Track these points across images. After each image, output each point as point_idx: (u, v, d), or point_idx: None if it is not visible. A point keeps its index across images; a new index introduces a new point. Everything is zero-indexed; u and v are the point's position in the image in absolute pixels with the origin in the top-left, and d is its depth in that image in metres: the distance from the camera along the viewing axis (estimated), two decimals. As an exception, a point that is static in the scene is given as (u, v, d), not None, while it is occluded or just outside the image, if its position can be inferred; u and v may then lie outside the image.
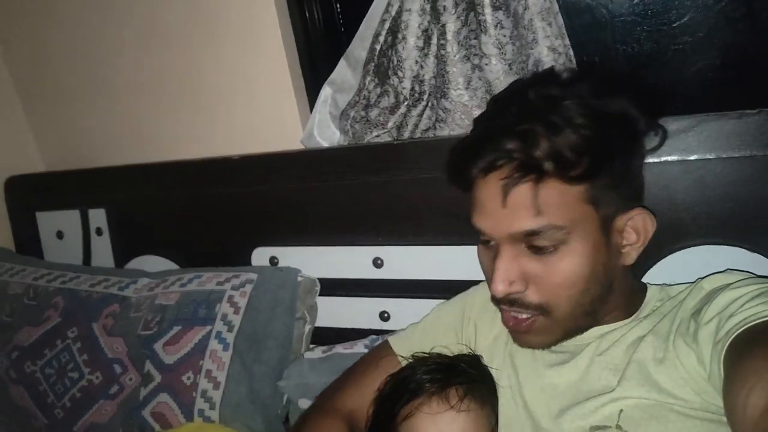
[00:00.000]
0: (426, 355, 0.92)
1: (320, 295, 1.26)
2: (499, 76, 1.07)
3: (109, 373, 1.24)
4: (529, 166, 0.71)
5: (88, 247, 1.51)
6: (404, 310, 1.19)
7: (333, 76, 1.27)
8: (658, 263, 0.98)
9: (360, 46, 1.22)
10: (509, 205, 0.72)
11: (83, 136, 1.59)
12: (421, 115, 1.19)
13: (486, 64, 1.07)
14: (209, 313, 1.19)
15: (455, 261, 1.13)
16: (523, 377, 0.83)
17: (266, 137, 1.36)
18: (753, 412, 0.57)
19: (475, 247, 1.04)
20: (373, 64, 1.19)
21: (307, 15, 1.33)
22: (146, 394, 1.18)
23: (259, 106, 1.36)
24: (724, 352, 0.65)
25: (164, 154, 1.45)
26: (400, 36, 1.11)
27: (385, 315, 1.20)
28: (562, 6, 1.06)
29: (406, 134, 1.21)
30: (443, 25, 1.07)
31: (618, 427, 0.71)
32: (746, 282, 0.73)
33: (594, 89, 0.75)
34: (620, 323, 0.81)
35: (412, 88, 1.16)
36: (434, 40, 1.10)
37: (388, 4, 1.12)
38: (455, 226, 1.12)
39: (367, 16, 1.19)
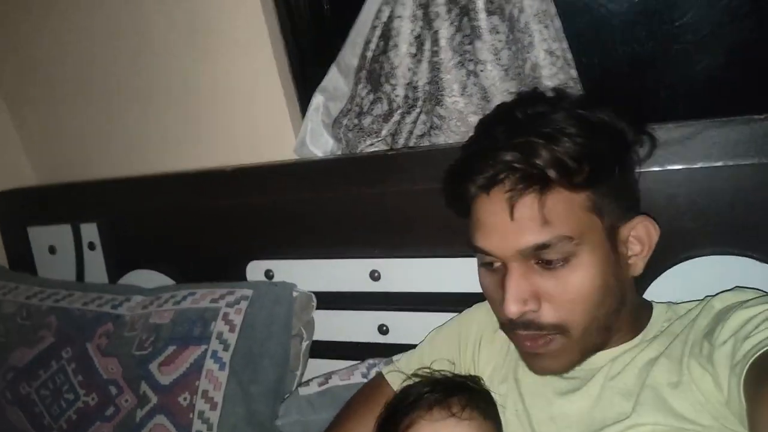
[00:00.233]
0: (424, 373, 0.90)
1: (317, 308, 1.23)
2: (495, 82, 1.03)
3: (104, 394, 1.21)
4: (533, 175, 0.69)
5: (81, 262, 1.48)
6: (403, 324, 1.16)
7: (324, 83, 1.23)
8: (664, 274, 0.94)
9: (351, 53, 1.18)
10: (516, 219, 0.70)
11: (74, 147, 1.56)
12: (415, 122, 1.16)
13: (481, 70, 1.03)
14: (204, 332, 1.16)
15: (454, 273, 1.10)
16: (531, 405, 0.80)
17: (259, 146, 1.33)
18: None
19: (474, 260, 1.02)
20: (365, 71, 1.15)
21: (297, 20, 1.29)
22: (143, 416, 1.16)
23: (251, 114, 1.32)
24: (743, 377, 0.62)
25: (157, 164, 1.42)
26: (391, 43, 1.08)
27: (384, 328, 1.17)
28: (560, 7, 1.02)
29: (401, 141, 1.17)
30: (436, 32, 1.03)
31: None
32: (759, 300, 0.71)
33: (579, 102, 0.76)
34: (629, 344, 0.78)
35: (406, 96, 1.13)
36: (427, 47, 1.06)
37: (379, 11, 1.09)
38: (453, 238, 1.08)
39: (357, 22, 1.15)
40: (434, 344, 0.96)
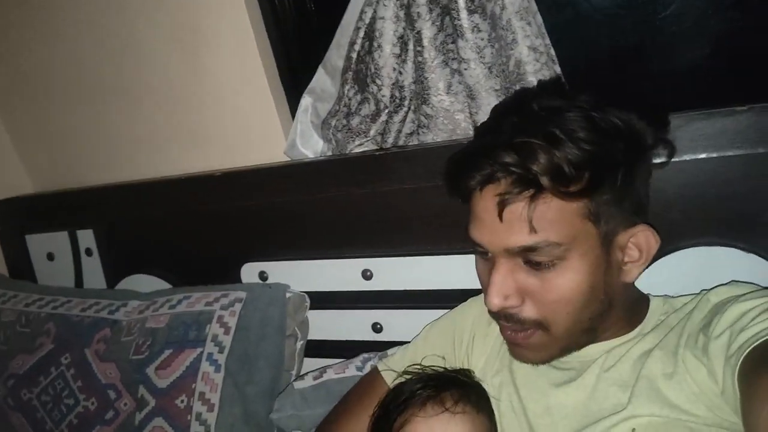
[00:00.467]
0: (415, 370, 0.91)
1: (311, 308, 1.24)
2: (480, 79, 1.03)
3: (103, 398, 1.22)
4: (527, 180, 0.68)
5: (79, 268, 1.50)
6: (396, 321, 1.17)
7: (312, 84, 1.24)
8: (653, 265, 0.94)
9: (337, 54, 1.18)
10: (505, 220, 0.70)
11: (68, 154, 1.57)
12: (403, 121, 1.16)
13: (465, 69, 1.03)
14: (199, 335, 1.17)
15: (445, 270, 1.10)
16: (526, 396, 0.81)
17: (250, 148, 1.34)
18: None
19: (464, 256, 1.02)
20: (351, 72, 1.16)
21: (282, 21, 1.29)
22: (141, 419, 1.17)
23: (240, 116, 1.33)
24: (738, 369, 0.63)
25: (148, 169, 1.43)
26: (375, 44, 1.08)
27: (378, 326, 1.18)
28: (543, 2, 1.02)
29: (390, 140, 1.17)
30: (419, 32, 1.03)
31: None
32: (755, 295, 0.71)
33: (598, 101, 0.73)
34: (624, 337, 0.78)
35: (392, 95, 1.13)
36: (411, 47, 1.07)
37: (362, 12, 1.09)
38: (443, 236, 1.09)
39: (341, 24, 1.15)
40: (429, 339, 0.97)
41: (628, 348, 0.76)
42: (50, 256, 1.53)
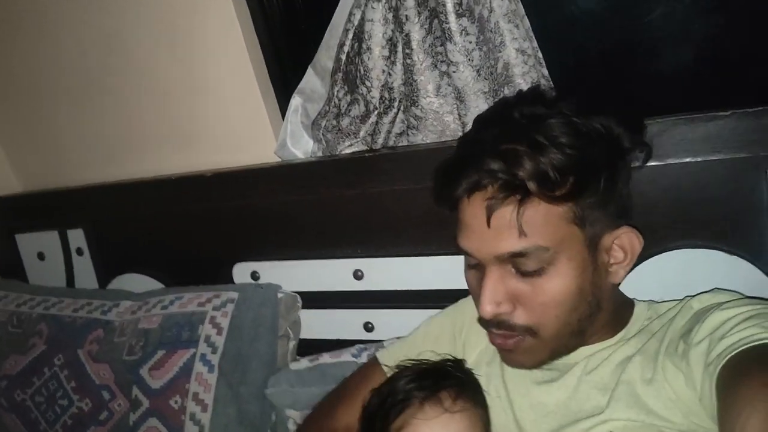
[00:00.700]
0: (409, 363, 0.90)
1: (303, 308, 1.25)
2: (468, 82, 1.04)
3: (97, 399, 1.23)
4: (513, 186, 0.69)
5: (70, 268, 1.50)
6: (387, 321, 1.18)
7: (301, 85, 1.24)
8: (637, 268, 0.96)
9: (326, 55, 1.19)
10: (494, 227, 0.71)
11: (56, 154, 1.57)
12: (392, 122, 1.16)
13: (454, 71, 1.04)
14: (192, 336, 1.18)
15: (435, 270, 1.12)
16: (513, 391, 0.83)
17: (239, 148, 1.34)
18: None
19: (454, 257, 1.03)
20: (340, 73, 1.16)
21: (270, 20, 1.29)
22: (136, 420, 1.18)
23: (230, 116, 1.33)
24: (716, 376, 0.64)
25: (137, 168, 1.43)
26: (364, 46, 1.08)
27: (369, 326, 1.19)
28: (530, 5, 1.02)
29: (380, 141, 1.18)
30: (407, 34, 1.04)
31: None
32: (737, 303, 0.72)
33: (578, 107, 0.75)
34: (608, 342, 0.80)
35: (382, 97, 1.13)
36: (400, 49, 1.07)
37: (351, 14, 1.09)
38: (433, 236, 1.10)
39: (330, 25, 1.16)
40: (429, 333, 0.98)
41: (610, 353, 0.78)
42: (41, 256, 1.53)
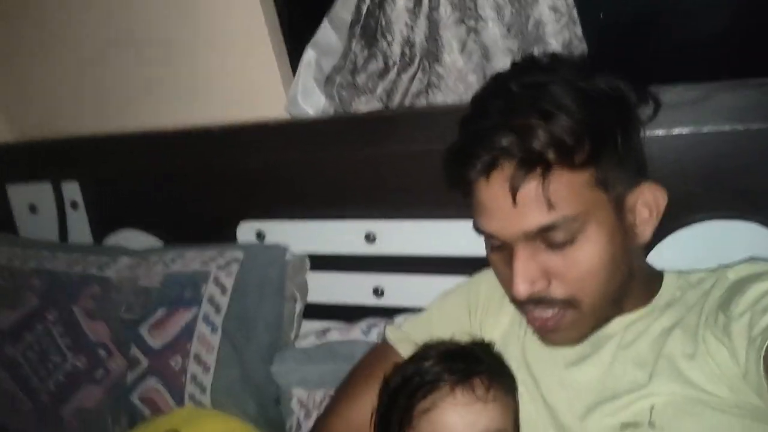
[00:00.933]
0: (436, 343, 0.85)
1: (311, 270, 1.21)
2: (497, 40, 0.99)
3: (93, 357, 1.20)
4: (532, 160, 0.66)
5: (63, 222, 1.44)
6: (398, 286, 1.15)
7: (316, 38, 1.18)
8: (669, 237, 0.93)
9: (344, 6, 1.13)
10: (519, 204, 0.68)
11: (51, 101, 1.49)
12: (412, 80, 1.11)
13: (482, 28, 0.99)
14: (195, 295, 1.14)
15: (451, 236, 1.08)
16: (539, 373, 0.80)
17: (248, 104, 1.27)
18: None
19: (471, 222, 0.99)
20: (359, 26, 1.10)
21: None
22: (133, 379, 1.15)
23: (238, 70, 1.27)
24: (764, 352, 0.62)
25: (138, 121, 1.36)
26: (388, -3, 1.03)
27: (379, 291, 1.16)
28: (565, -39, 0.97)
29: (396, 100, 1.13)
30: (436, -15, 0.98)
31: (651, 423, 0.68)
32: None
33: (578, 69, 0.73)
34: (641, 311, 0.77)
35: (402, 53, 1.08)
36: (425, 1, 1.02)
37: (375, -39, 1.03)
38: (450, 200, 1.05)
39: (351, -27, 1.10)
40: (444, 308, 0.94)
41: (647, 325, 0.75)
42: (33, 209, 1.47)
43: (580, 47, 1.00)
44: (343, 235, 1.16)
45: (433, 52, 1.06)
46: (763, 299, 0.66)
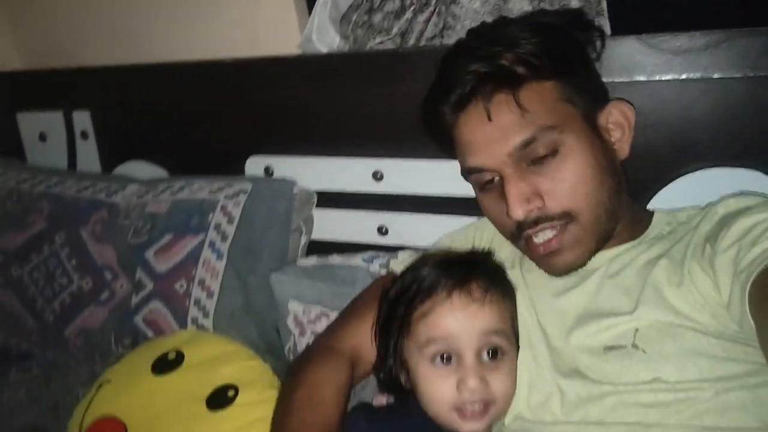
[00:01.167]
0: (433, 252, 0.87)
1: (317, 206, 1.22)
2: (516, -20, 1.00)
3: (99, 279, 1.21)
4: (500, 75, 0.74)
5: (73, 151, 1.45)
6: (403, 225, 1.16)
7: (334, -26, 1.18)
8: (673, 183, 0.95)
9: (365, -58, 1.13)
10: (495, 122, 0.74)
11: (63, 30, 1.49)
12: (427, 21, 1.12)
13: (503, -34, 0.99)
14: (202, 223, 1.16)
15: (457, 176, 1.08)
16: (535, 297, 0.82)
17: (261, 41, 1.29)
18: None
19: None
20: (379, -38, 1.11)
21: None
22: (138, 302, 1.16)
23: (253, 5, 1.27)
24: (749, 287, 0.63)
25: (153, 52, 1.36)
26: (410, -68, 1.03)
27: (384, 229, 1.17)
28: None
29: (411, 41, 1.14)
30: None
31: (634, 345, 0.70)
32: (766, 206, 0.71)
33: (529, 17, 0.91)
34: (628, 244, 0.79)
35: (420, -8, 1.08)
36: (447, -61, 1.02)
37: None
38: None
39: None
40: (452, 242, 0.96)
41: (633, 256, 0.77)
42: (42, 137, 1.48)
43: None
44: (351, 173, 1.17)
45: (450, -7, 1.06)
46: (751, 232, 0.67)
